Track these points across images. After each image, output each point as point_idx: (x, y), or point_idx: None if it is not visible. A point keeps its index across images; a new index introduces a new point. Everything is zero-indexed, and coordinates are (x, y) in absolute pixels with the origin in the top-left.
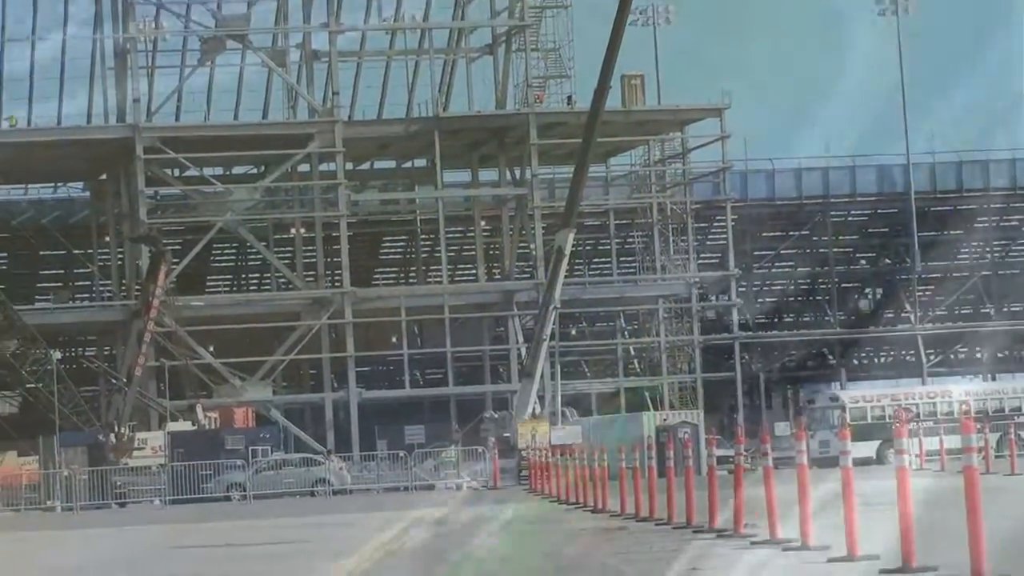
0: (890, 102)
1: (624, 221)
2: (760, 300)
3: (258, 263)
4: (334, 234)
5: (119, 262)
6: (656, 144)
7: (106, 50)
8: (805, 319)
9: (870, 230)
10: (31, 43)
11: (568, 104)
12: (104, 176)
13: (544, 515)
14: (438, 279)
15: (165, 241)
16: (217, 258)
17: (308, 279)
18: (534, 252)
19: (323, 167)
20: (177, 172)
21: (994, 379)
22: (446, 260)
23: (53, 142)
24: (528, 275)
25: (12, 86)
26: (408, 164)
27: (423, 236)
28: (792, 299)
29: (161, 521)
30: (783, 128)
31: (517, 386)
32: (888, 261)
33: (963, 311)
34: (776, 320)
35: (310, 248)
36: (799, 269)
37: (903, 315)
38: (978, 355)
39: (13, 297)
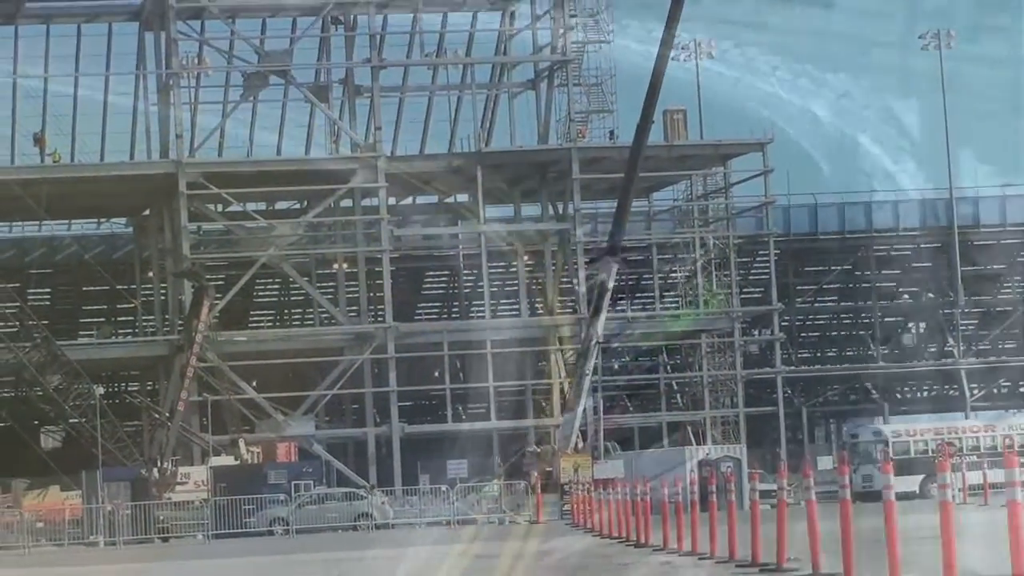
0: (933, 135)
1: (667, 256)
2: (803, 334)
3: (301, 298)
4: (377, 269)
5: (162, 297)
6: (699, 179)
7: (149, 86)
8: (848, 353)
9: (913, 264)
10: (74, 79)
11: (610, 139)
12: (147, 211)
13: (587, 549)
14: (480, 314)
15: (208, 276)
16: (260, 293)
17: (351, 314)
18: (576, 287)
19: (366, 202)
20: (220, 207)
21: None
22: (488, 295)
23: (96, 178)
24: (571, 310)
25: (56, 121)
26: (450, 199)
27: (465, 271)
28: (835, 333)
29: (205, 556)
30: (826, 162)
31: (560, 420)
32: (931, 295)
33: (1007, 345)
34: (819, 354)
35: (353, 283)
36: (842, 303)
37: (946, 349)
38: (1022, 389)
39: (56, 332)
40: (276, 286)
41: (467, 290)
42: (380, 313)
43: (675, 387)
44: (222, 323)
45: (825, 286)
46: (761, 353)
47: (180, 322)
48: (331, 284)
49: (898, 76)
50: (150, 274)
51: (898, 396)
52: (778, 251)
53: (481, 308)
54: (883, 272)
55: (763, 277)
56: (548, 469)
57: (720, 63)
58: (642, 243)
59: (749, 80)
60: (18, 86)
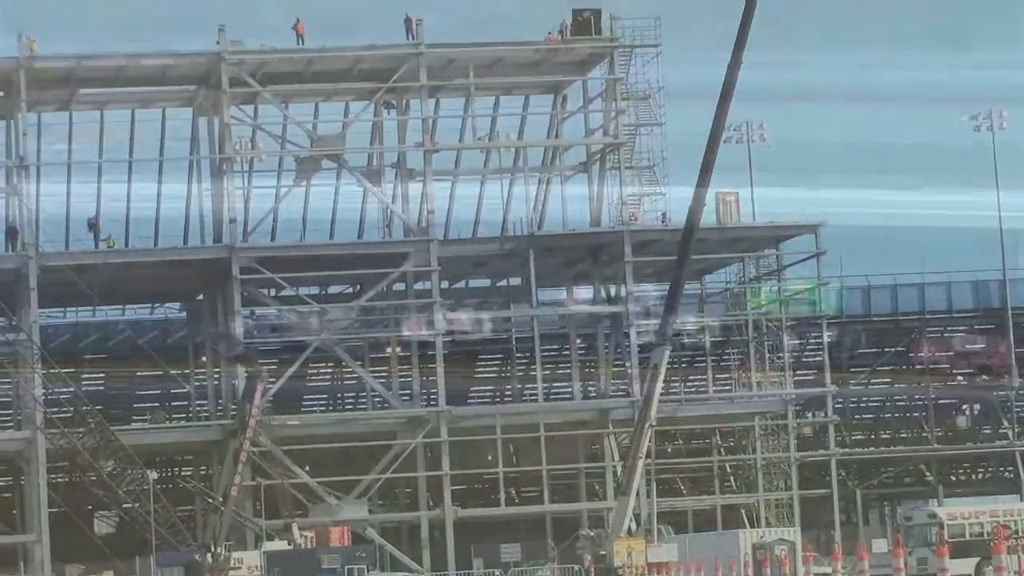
0: (986, 217)
1: (720, 338)
2: (856, 416)
3: (353, 382)
4: (429, 352)
5: (215, 382)
6: (751, 261)
7: (203, 170)
8: (902, 435)
9: (967, 345)
10: (128, 164)
11: (663, 221)
12: (200, 296)
13: None
14: (533, 397)
15: (261, 361)
16: (313, 377)
17: (403, 397)
18: (629, 369)
19: (418, 285)
20: (273, 291)
21: None
22: (541, 378)
23: (150, 263)
24: (623, 392)
25: (110, 206)
26: (503, 282)
27: (518, 354)
28: (889, 415)
29: None
30: (879, 243)
31: (613, 503)
32: (985, 377)
33: None
34: (873, 436)
35: (405, 367)
36: (895, 385)
37: (1001, 431)
38: None
39: (110, 417)
40: (329, 370)
41: (520, 373)
42: (433, 397)
43: (728, 470)
44: (275, 407)
45: (878, 368)
46: (815, 435)
47: (233, 407)
48: (384, 368)
49: (950, 157)
50: (203, 359)
51: (952, 478)
52: (831, 333)
53: (534, 391)
54: (937, 354)
55: (816, 359)
56: (602, 553)
57: (772, 145)
58: (695, 326)
59: (801, 161)
60: (72, 171)
